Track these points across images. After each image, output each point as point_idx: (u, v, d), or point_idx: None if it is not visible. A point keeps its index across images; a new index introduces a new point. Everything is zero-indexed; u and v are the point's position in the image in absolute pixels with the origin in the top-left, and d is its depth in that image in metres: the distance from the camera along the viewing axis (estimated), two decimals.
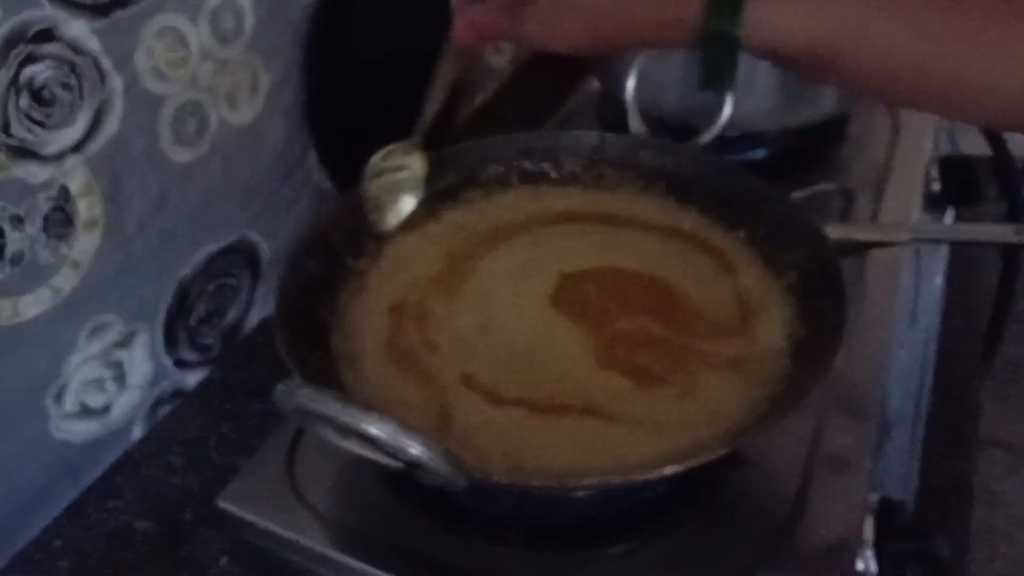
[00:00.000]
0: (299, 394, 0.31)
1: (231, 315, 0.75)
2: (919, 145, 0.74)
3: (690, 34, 0.38)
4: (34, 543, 0.60)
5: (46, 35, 0.53)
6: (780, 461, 0.47)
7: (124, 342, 0.65)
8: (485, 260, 0.52)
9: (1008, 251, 0.76)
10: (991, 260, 0.84)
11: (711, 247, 0.52)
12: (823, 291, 0.45)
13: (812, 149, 0.75)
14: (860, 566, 0.44)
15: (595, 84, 0.89)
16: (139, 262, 0.64)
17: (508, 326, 0.48)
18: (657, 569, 0.43)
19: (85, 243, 0.60)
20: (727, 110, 0.55)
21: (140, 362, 0.67)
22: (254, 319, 0.78)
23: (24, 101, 0.53)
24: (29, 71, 0.53)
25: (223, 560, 0.59)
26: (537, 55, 1.11)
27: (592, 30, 0.40)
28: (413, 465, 0.35)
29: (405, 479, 0.46)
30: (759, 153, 0.74)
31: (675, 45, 0.39)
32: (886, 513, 0.46)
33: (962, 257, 0.80)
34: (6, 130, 0.52)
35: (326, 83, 0.77)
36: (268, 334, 0.76)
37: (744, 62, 0.67)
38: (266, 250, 0.77)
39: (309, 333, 0.46)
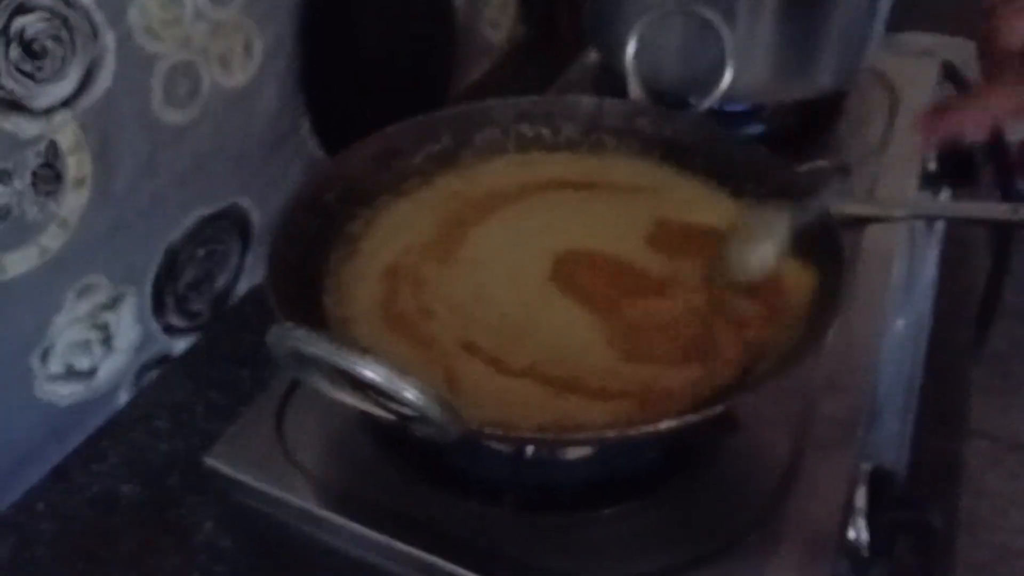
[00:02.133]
0: (293, 336, 0.30)
1: (220, 282, 0.75)
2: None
3: None
4: (15, 506, 0.60)
5: None
6: (774, 430, 0.47)
7: (112, 304, 0.64)
8: (479, 228, 0.52)
9: (1001, 233, 0.75)
10: (984, 246, 0.84)
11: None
12: (823, 258, 0.44)
13: (810, 125, 0.75)
14: (852, 535, 0.44)
15: (592, 57, 0.88)
16: (128, 224, 0.63)
17: (505, 297, 0.47)
18: (650, 533, 0.43)
19: (74, 201, 0.59)
20: (727, 78, 0.55)
21: (128, 326, 0.66)
22: (243, 287, 0.77)
23: (14, 52, 0.52)
24: (20, 22, 0.52)
25: (209, 524, 0.58)
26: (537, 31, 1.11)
27: None
28: (406, 417, 0.35)
29: (396, 435, 0.46)
30: (757, 128, 0.73)
31: None
32: (879, 483, 0.46)
33: (956, 241, 0.80)
34: None
35: (321, 51, 0.76)
36: (257, 302, 0.76)
37: (743, 35, 0.67)
38: (257, 217, 0.76)
39: (301, 291, 0.45)
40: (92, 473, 0.62)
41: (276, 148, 0.76)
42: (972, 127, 0.41)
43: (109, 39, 0.58)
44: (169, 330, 0.70)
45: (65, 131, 0.57)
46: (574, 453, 0.45)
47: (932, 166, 0.69)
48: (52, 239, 0.58)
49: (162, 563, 0.56)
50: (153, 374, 0.70)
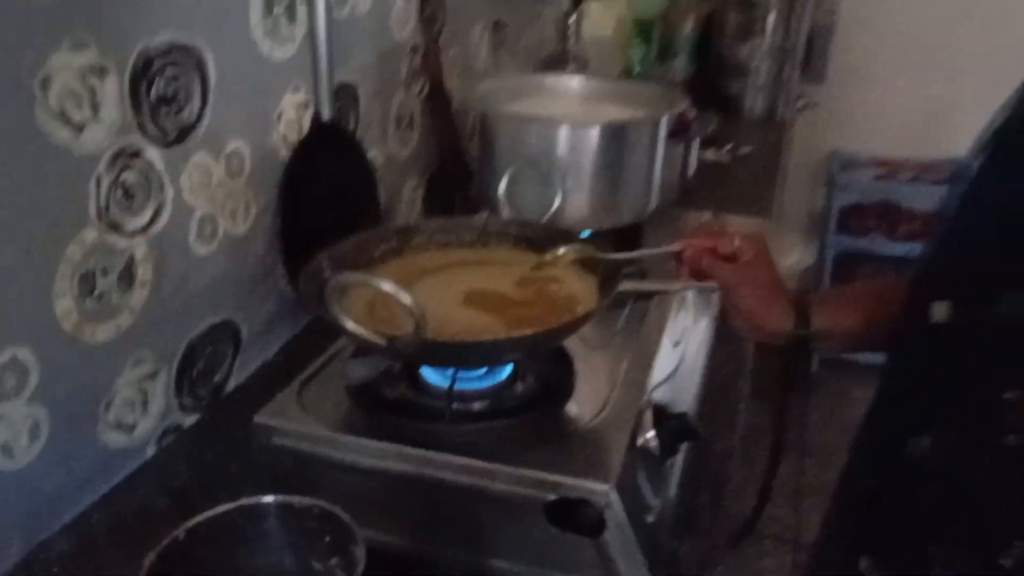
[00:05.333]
0: (324, 267, 0.60)
1: (218, 376, 1.02)
2: None
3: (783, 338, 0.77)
4: (75, 518, 0.83)
5: (136, 154, 0.84)
6: (598, 382, 0.79)
7: (152, 376, 0.91)
8: (418, 286, 0.85)
9: None
10: None
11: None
12: (606, 287, 0.79)
13: (625, 242, 1.13)
14: (639, 441, 0.75)
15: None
16: (169, 318, 0.92)
17: (437, 312, 0.78)
18: (526, 435, 0.73)
19: (138, 296, 0.87)
20: (556, 204, 0.93)
21: (159, 395, 0.92)
22: (232, 384, 1.05)
23: (118, 194, 0.83)
24: (124, 176, 0.83)
25: None
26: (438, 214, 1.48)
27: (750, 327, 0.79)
28: (391, 338, 0.65)
29: (371, 397, 0.76)
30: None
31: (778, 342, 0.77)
32: (662, 414, 0.77)
33: None
34: (107, 210, 0.82)
35: (292, 218, 1.09)
36: (242, 398, 1.04)
37: (573, 187, 1.06)
38: (244, 331, 1.05)
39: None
40: (135, 493, 0.86)
41: (261, 281, 1.07)
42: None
43: (169, 192, 0.89)
44: (183, 407, 0.96)
45: (140, 248, 0.87)
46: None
47: None
48: (124, 319, 0.86)
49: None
50: (170, 438, 0.95)
